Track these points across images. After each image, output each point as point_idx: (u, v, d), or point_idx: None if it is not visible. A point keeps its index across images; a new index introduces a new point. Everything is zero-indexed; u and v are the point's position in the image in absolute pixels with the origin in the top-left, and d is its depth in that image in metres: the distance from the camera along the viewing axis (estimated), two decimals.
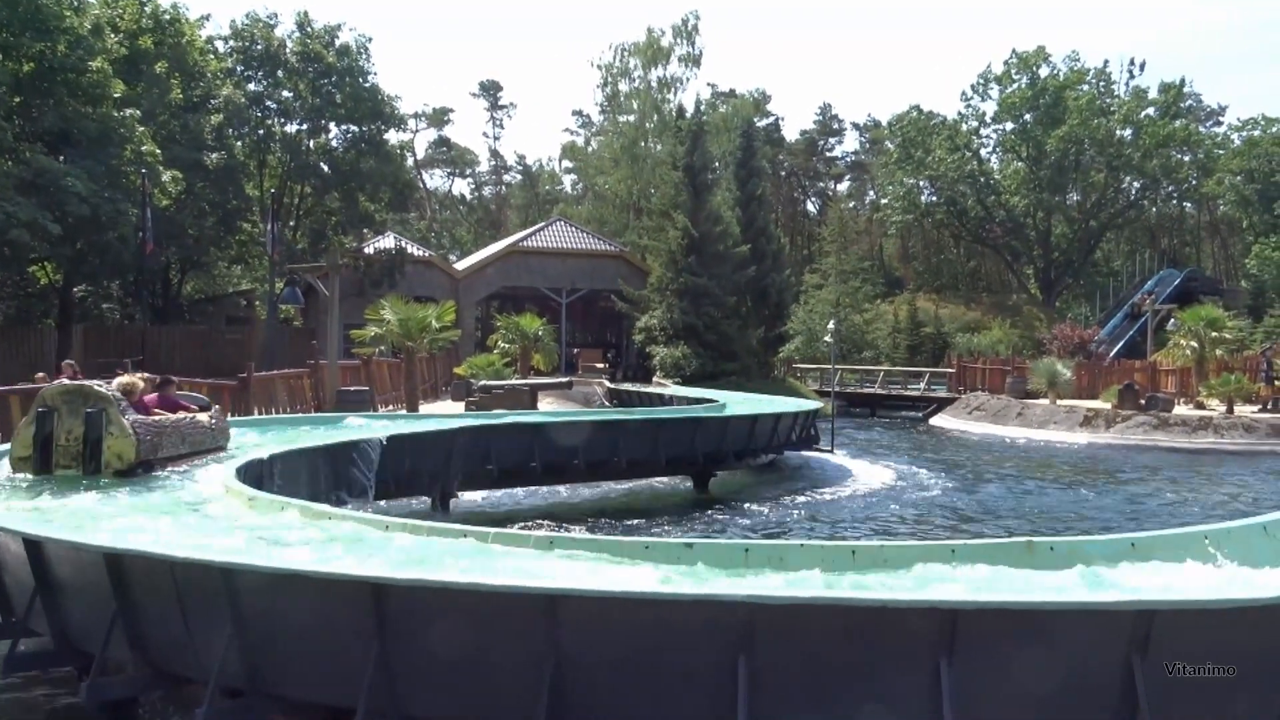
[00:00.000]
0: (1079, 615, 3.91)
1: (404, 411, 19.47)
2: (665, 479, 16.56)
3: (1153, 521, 13.72)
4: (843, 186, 78.98)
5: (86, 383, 8.48)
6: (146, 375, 10.68)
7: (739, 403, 20.84)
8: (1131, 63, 59.12)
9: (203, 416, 9.97)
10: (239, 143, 38.07)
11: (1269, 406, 26.38)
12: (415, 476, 12.38)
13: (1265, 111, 68.83)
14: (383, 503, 11.98)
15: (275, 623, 4.70)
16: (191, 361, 27.28)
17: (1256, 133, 57.15)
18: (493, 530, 6.09)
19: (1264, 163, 54.48)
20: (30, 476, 7.99)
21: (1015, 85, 57.06)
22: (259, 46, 38.91)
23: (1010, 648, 3.91)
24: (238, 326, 37.62)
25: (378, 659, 4.32)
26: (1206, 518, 13.70)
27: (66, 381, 8.86)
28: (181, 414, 9.67)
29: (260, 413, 16.26)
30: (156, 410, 9.37)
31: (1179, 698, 3.92)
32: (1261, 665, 3.97)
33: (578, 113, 76.00)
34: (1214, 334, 28.17)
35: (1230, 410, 25.85)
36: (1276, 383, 27.31)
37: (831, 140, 76.63)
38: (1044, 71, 56.78)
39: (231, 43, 39.43)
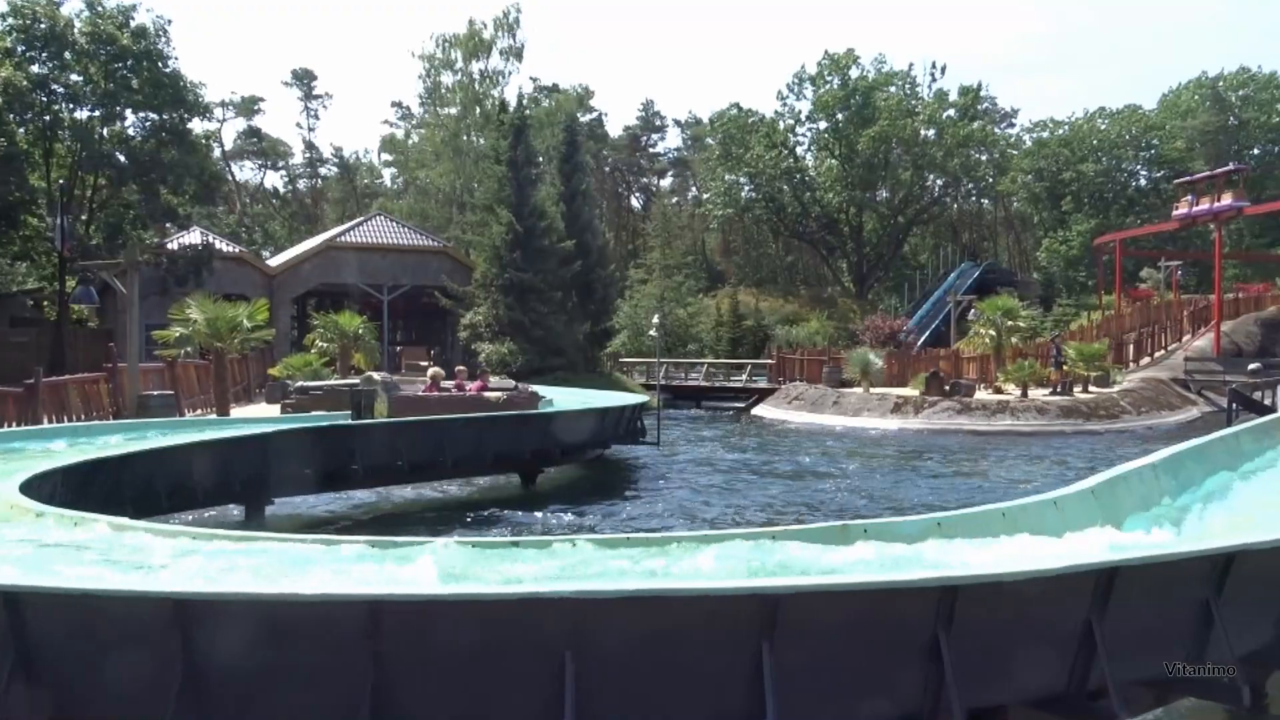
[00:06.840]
0: (889, 594, 4.07)
1: (214, 416, 18.52)
2: (492, 477, 16.38)
3: (956, 500, 14.52)
4: (666, 182, 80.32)
5: (371, 373, 15.63)
6: (463, 368, 18.76)
7: (565, 398, 20.81)
8: (934, 66, 62.35)
9: (490, 394, 16.44)
10: (21, 129, 35.15)
11: (1059, 390, 28.48)
12: (227, 484, 11.80)
13: (1053, 114, 74.29)
14: (191, 515, 11.39)
15: (69, 647, 4.33)
16: None
17: (1045, 134, 61.45)
18: (309, 536, 5.83)
19: (1052, 162, 58.73)
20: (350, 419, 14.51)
21: (828, 86, 59.23)
22: (42, 25, 35.89)
23: (829, 628, 4.03)
24: (24, 328, 34.79)
25: (183, 679, 4.04)
26: (1004, 495, 14.62)
27: (370, 372, 15.04)
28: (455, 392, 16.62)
29: (51, 421, 15.08)
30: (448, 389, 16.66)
31: (981, 667, 4.14)
32: (1056, 633, 4.24)
33: (397, 104, 74.34)
34: (1010, 323, 30.23)
35: (1025, 394, 27.74)
36: (1065, 367, 29.52)
37: (654, 136, 77.85)
38: (854, 73, 59.15)
39: (10, 20, 36.18)
